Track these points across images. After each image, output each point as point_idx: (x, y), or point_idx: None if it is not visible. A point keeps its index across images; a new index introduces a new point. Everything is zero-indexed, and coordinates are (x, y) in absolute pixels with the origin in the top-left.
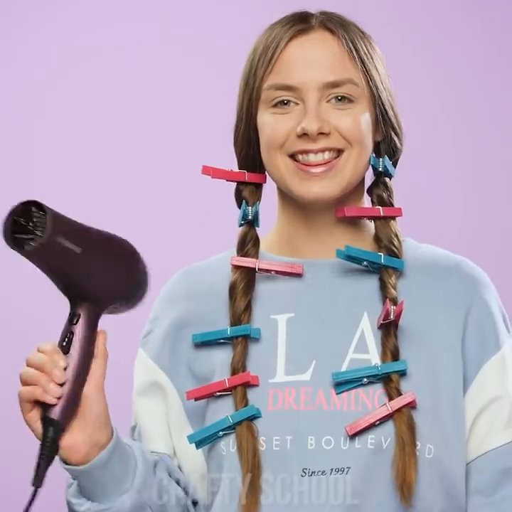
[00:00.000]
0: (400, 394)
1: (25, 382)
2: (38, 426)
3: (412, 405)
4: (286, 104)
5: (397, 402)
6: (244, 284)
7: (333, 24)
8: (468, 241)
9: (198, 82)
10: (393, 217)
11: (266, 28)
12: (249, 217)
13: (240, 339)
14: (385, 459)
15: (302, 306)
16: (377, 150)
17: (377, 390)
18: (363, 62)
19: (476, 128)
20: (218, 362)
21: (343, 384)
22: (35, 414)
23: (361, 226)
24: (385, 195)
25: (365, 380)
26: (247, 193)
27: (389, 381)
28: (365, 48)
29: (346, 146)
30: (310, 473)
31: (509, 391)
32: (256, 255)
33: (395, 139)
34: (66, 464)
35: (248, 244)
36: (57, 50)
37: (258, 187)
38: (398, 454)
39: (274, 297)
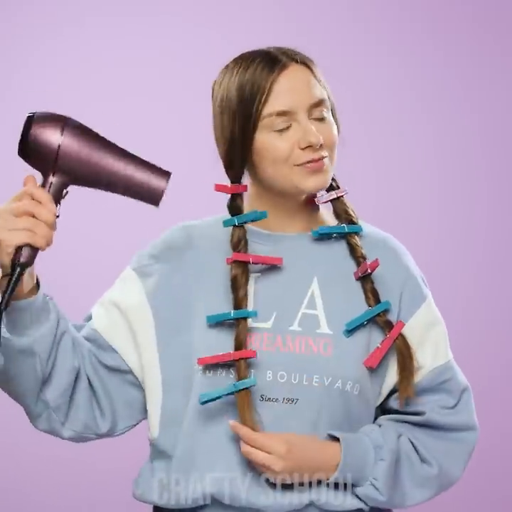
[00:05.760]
0: (391, 325)
1: (17, 227)
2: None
3: (402, 327)
4: (286, 128)
5: (395, 331)
6: (244, 277)
7: (301, 58)
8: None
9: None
10: (342, 196)
11: (231, 66)
12: (237, 222)
13: (242, 320)
14: (329, 395)
15: (267, 269)
16: None
17: (322, 338)
18: (324, 86)
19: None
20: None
21: (353, 329)
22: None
23: (313, 211)
24: (333, 183)
25: (365, 322)
26: (240, 202)
27: (379, 318)
28: (320, 74)
29: (329, 153)
30: (266, 399)
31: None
32: (246, 250)
33: None
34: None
35: (240, 243)
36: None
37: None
38: (402, 372)
39: None
